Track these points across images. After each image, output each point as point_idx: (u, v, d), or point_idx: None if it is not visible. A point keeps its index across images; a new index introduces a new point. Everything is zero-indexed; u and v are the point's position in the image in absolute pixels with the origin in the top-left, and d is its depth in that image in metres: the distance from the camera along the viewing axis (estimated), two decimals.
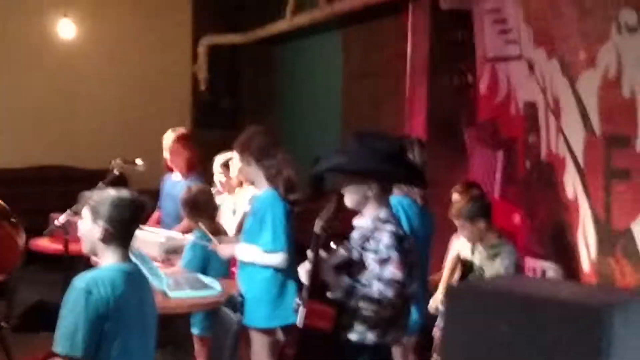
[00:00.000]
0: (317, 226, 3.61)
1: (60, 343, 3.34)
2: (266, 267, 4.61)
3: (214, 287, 4.70)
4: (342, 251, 3.60)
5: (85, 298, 3.32)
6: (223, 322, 4.19)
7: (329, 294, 3.51)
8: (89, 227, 3.50)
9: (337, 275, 3.49)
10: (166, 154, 6.40)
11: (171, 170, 6.53)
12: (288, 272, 4.62)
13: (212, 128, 11.40)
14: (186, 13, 11.34)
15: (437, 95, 6.95)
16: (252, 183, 5.08)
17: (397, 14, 7.51)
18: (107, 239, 3.47)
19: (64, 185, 10.52)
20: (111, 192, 3.54)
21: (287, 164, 4.79)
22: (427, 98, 7.01)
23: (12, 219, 5.04)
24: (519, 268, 4.79)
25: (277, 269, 4.61)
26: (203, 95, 11.38)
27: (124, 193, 3.53)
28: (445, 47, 6.95)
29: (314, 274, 3.53)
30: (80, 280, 3.40)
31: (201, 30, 11.19)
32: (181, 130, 6.54)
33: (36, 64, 10.50)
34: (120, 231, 3.48)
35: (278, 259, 4.58)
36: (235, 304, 4.17)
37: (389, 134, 4.18)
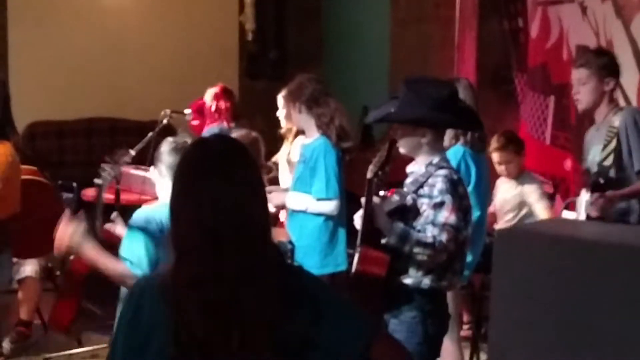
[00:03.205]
0: (370, 172, 3.60)
1: None
2: (318, 214, 4.62)
3: None
4: (395, 197, 3.58)
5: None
6: None
7: (382, 240, 3.50)
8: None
9: (391, 221, 3.48)
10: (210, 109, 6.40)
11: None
12: (339, 219, 4.62)
13: (259, 78, 11.38)
14: None
15: (487, 40, 6.86)
16: (302, 131, 5.04)
17: None
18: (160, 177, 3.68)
19: (112, 137, 10.61)
20: (169, 138, 3.75)
21: (340, 112, 4.76)
22: (477, 44, 6.93)
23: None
24: None
25: (328, 217, 4.62)
26: (250, 46, 11.34)
27: (178, 138, 3.67)
28: None
29: (367, 220, 3.52)
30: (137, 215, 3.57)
31: None
32: (219, 85, 6.51)
33: (82, 16, 10.53)
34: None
35: (331, 206, 4.59)
36: (286, 251, 4.17)
37: (438, 78, 4.10)
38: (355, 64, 10.14)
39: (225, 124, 6.38)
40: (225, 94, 6.45)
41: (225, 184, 2.00)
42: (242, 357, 1.97)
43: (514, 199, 5.62)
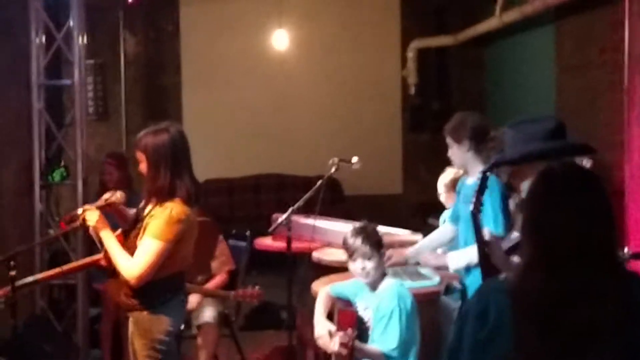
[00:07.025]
0: (472, 205, 3.61)
1: None
2: None
3: (432, 278, 4.72)
4: (515, 233, 3.54)
5: None
6: (444, 310, 4.21)
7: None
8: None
9: (508, 259, 3.43)
10: None
11: None
12: None
13: (422, 131, 11.46)
14: (395, 19, 11.46)
15: None
16: (464, 169, 4.95)
17: (613, 2, 7.25)
18: None
19: (280, 193, 10.90)
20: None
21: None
22: None
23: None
24: None
25: None
26: (413, 99, 11.45)
27: None
28: None
29: (483, 257, 3.50)
30: None
31: (409, 34, 11.27)
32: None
33: (252, 75, 10.96)
34: None
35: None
36: (455, 292, 4.16)
37: (543, 117, 3.99)
38: (520, 112, 10.04)
39: None
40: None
41: (573, 207, 2.15)
42: None
43: None
